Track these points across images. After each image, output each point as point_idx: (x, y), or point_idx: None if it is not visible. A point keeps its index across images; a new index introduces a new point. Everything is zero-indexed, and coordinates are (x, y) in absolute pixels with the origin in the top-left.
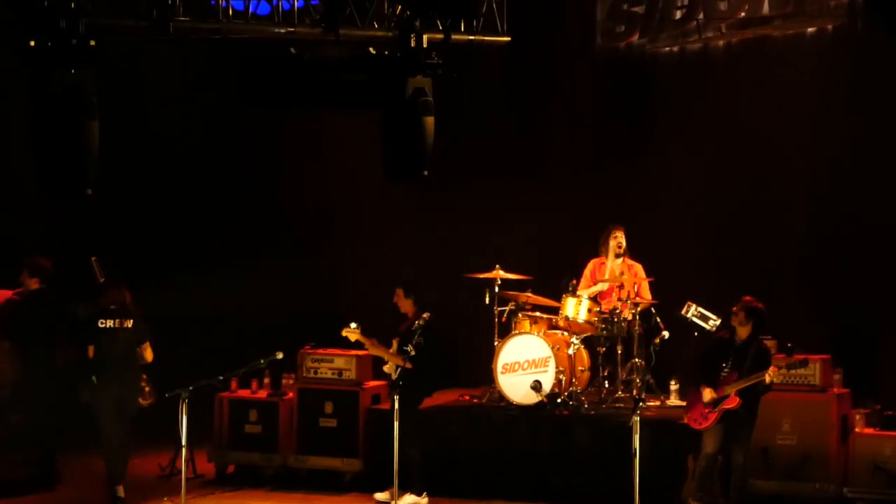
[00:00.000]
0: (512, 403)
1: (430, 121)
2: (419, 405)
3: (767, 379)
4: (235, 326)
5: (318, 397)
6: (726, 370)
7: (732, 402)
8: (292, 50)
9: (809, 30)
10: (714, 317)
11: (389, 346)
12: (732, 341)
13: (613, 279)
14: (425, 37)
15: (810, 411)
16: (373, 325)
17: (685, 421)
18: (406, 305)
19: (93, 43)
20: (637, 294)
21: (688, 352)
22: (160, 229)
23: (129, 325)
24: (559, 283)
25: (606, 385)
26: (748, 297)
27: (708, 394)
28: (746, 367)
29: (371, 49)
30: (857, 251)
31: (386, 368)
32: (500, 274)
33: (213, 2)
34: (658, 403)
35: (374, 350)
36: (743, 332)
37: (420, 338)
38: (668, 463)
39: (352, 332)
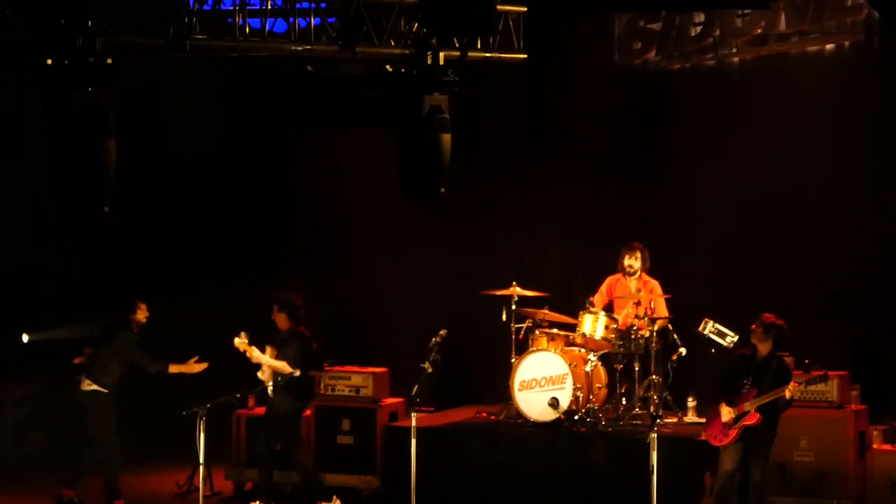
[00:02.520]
0: (529, 420)
1: (446, 138)
2: (301, 414)
3: (787, 394)
4: (252, 343)
5: (335, 414)
6: (747, 386)
7: (752, 419)
8: (309, 67)
9: (827, 47)
10: (731, 333)
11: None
12: (754, 358)
13: (630, 296)
14: (442, 54)
15: (828, 428)
16: (390, 338)
17: (704, 438)
18: (281, 320)
19: (110, 61)
20: (654, 311)
21: (705, 369)
22: (176, 247)
23: None
24: (576, 300)
25: (624, 402)
26: (768, 314)
27: (727, 413)
28: (767, 383)
29: (388, 66)
30: (873, 267)
31: (260, 374)
32: (516, 291)
33: (229, 20)
34: (675, 420)
35: (255, 358)
36: (763, 348)
37: (437, 355)
38: (686, 480)
39: (241, 341)
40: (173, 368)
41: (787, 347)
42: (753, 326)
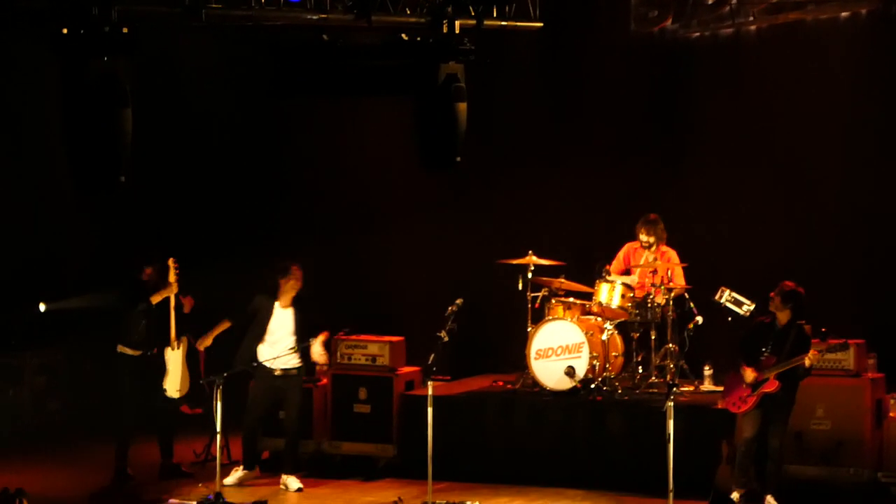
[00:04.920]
0: (545, 389)
1: (462, 107)
2: None
3: (807, 363)
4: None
5: (351, 383)
6: (766, 354)
7: (771, 386)
8: (325, 37)
9: (843, 14)
10: (748, 302)
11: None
12: (773, 326)
13: (647, 265)
14: (457, 23)
15: (844, 396)
16: (407, 307)
17: (723, 405)
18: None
19: (126, 30)
20: (670, 279)
21: (721, 337)
22: (193, 217)
23: None
24: (593, 268)
25: (640, 370)
26: (788, 282)
27: (750, 374)
28: (786, 351)
29: (403, 35)
30: (890, 235)
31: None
32: (533, 260)
33: None
34: (692, 389)
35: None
36: (782, 316)
37: (453, 323)
38: (702, 448)
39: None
40: (155, 299)
41: (806, 315)
42: (772, 294)
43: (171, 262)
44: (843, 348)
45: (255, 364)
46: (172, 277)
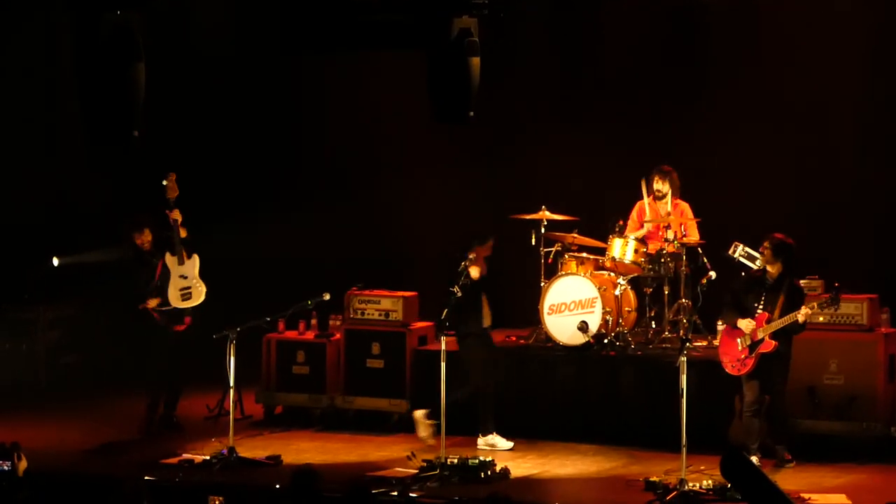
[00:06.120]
0: (558, 344)
1: (475, 61)
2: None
3: (801, 319)
4: (282, 268)
5: (365, 338)
6: (759, 310)
7: (768, 347)
8: None
9: None
10: (761, 257)
11: None
12: (764, 280)
13: (660, 219)
14: None
15: (857, 351)
16: (420, 262)
17: (723, 365)
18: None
19: None
20: (684, 234)
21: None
22: (206, 173)
23: None
24: (606, 223)
25: (653, 326)
26: (777, 234)
27: (747, 324)
28: (779, 305)
29: None
30: None
31: None
32: (546, 215)
33: None
34: (705, 344)
35: None
36: (774, 270)
37: (467, 279)
38: (715, 403)
39: None
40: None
41: (798, 268)
42: (762, 249)
43: (172, 176)
44: (833, 302)
45: (269, 319)
46: (176, 192)
